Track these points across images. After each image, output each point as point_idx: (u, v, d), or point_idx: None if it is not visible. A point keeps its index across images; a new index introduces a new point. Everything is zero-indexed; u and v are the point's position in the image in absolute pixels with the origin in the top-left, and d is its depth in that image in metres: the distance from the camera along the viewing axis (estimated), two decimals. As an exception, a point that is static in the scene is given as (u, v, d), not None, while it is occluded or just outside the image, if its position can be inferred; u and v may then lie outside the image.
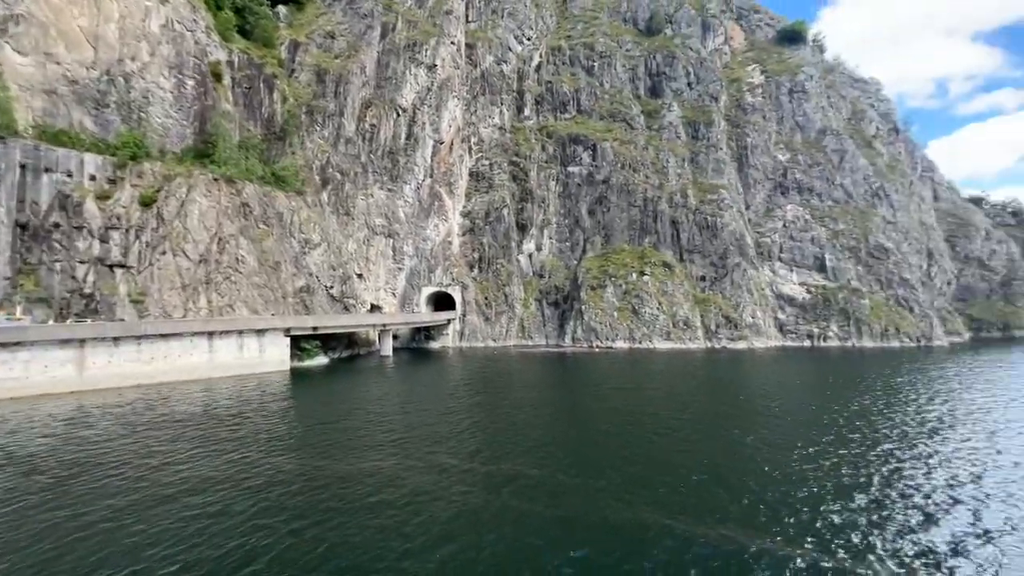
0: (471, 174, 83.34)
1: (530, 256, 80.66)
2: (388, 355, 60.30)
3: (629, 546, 13.21)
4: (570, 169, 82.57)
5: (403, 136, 74.94)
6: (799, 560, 12.54)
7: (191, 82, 54.38)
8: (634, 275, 72.51)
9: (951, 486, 17.62)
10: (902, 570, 12.23)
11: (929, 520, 14.93)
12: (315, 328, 50.49)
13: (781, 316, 74.48)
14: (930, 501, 16.30)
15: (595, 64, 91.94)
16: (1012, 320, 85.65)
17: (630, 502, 15.88)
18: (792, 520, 14.75)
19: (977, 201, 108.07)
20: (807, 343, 71.69)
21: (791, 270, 77.37)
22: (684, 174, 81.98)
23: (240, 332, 43.36)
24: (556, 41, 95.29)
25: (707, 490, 17.03)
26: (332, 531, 13.96)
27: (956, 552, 13.13)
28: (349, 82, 71.22)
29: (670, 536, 13.74)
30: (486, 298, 75.45)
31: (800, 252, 77.82)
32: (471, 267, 77.66)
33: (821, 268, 76.30)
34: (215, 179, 49.41)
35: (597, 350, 65.84)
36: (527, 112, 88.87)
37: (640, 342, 67.78)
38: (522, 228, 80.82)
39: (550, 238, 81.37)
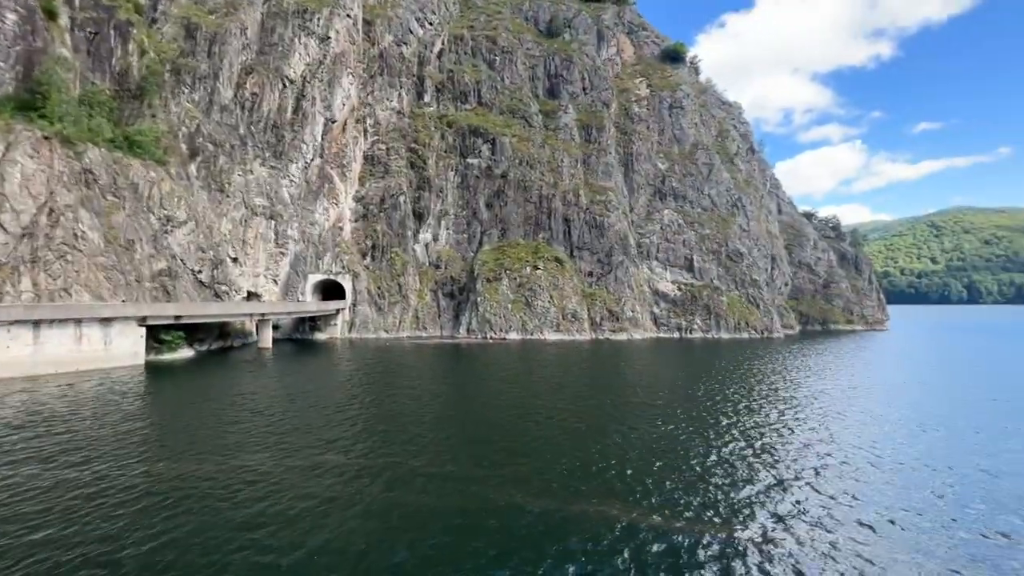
0: (366, 158, 79.58)
1: (426, 246, 79.42)
2: (267, 347, 55.61)
3: (498, 528, 13.77)
4: (470, 161, 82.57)
5: (290, 110, 69.11)
6: (655, 532, 14.06)
7: (13, 16, 44.63)
8: (528, 269, 74.91)
9: (800, 451, 20.97)
10: (774, 525, 14.32)
11: (775, 480, 17.63)
12: (178, 317, 44.78)
13: (656, 310, 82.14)
14: (781, 466, 19.23)
15: (497, 58, 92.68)
16: (829, 316, 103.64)
17: (503, 486, 16.54)
18: (641, 491, 16.48)
19: (808, 216, 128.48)
20: (676, 335, 79.98)
21: (666, 269, 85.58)
22: (577, 174, 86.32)
23: (78, 321, 36.95)
24: (459, 29, 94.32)
25: (582, 470, 18.34)
26: (183, 533, 12.60)
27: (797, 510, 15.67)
28: (226, 43, 63.77)
29: (540, 518, 14.58)
30: (379, 288, 72.87)
31: (673, 253, 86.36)
32: (364, 255, 74.39)
33: (690, 268, 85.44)
34: (45, 137, 41.27)
35: (491, 341, 67.07)
36: (427, 99, 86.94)
37: (532, 333, 70.39)
38: (419, 217, 79.19)
39: (447, 229, 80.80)
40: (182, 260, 51.47)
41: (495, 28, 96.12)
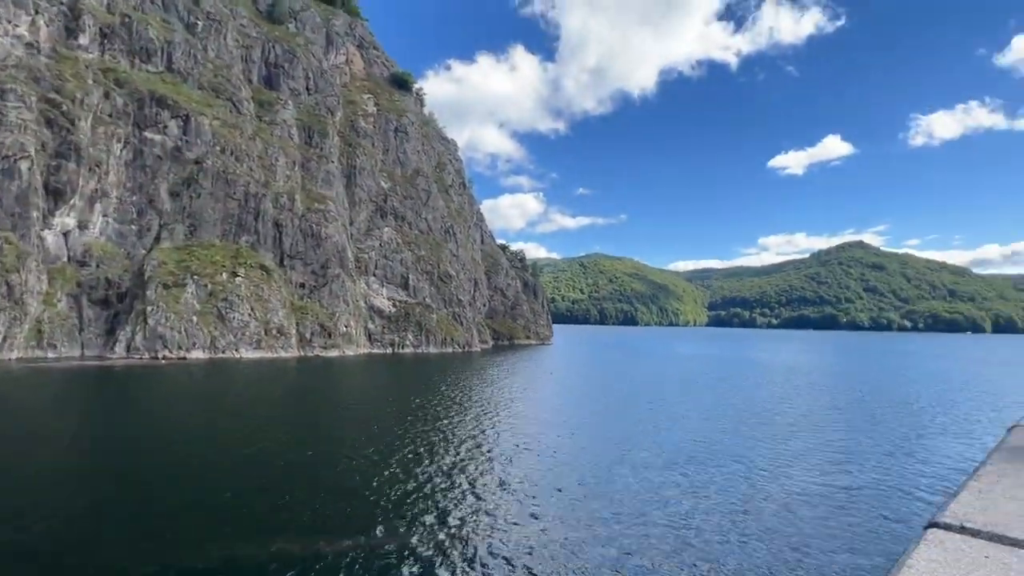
0: (-43, 94, 54.13)
1: (66, 235, 58.99)
2: None
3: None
4: (149, 135, 66.04)
5: None
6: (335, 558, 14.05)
7: None
8: (225, 275, 64.32)
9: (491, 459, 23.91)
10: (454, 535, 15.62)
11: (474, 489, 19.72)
12: None
13: (371, 326, 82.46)
14: (477, 474, 21.56)
15: (200, 23, 77.96)
16: (515, 333, 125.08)
17: (150, 537, 13.77)
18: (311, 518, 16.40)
19: (504, 248, 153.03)
20: (389, 350, 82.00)
21: (383, 285, 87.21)
22: (294, 177, 79.77)
23: None
24: (144, -30, 75.28)
25: (274, 501, 16.77)
26: None
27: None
28: None
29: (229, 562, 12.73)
30: (-33, 287, 49.78)
31: (391, 270, 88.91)
32: (-62, 236, 49.71)
33: (405, 286, 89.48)
34: None
35: (164, 362, 54.24)
36: (84, 41, 65.72)
37: (224, 351, 60.28)
38: (56, 194, 58.27)
39: (105, 215, 62.09)
40: None
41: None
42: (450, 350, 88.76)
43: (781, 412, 37.05)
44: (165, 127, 67.22)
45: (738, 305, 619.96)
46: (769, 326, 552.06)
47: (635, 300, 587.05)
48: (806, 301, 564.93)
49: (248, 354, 61.85)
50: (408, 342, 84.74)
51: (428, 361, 71.62)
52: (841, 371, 74.06)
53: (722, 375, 63.75)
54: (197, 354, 58.01)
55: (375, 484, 19.07)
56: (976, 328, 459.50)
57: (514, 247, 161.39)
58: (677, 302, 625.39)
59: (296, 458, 22.07)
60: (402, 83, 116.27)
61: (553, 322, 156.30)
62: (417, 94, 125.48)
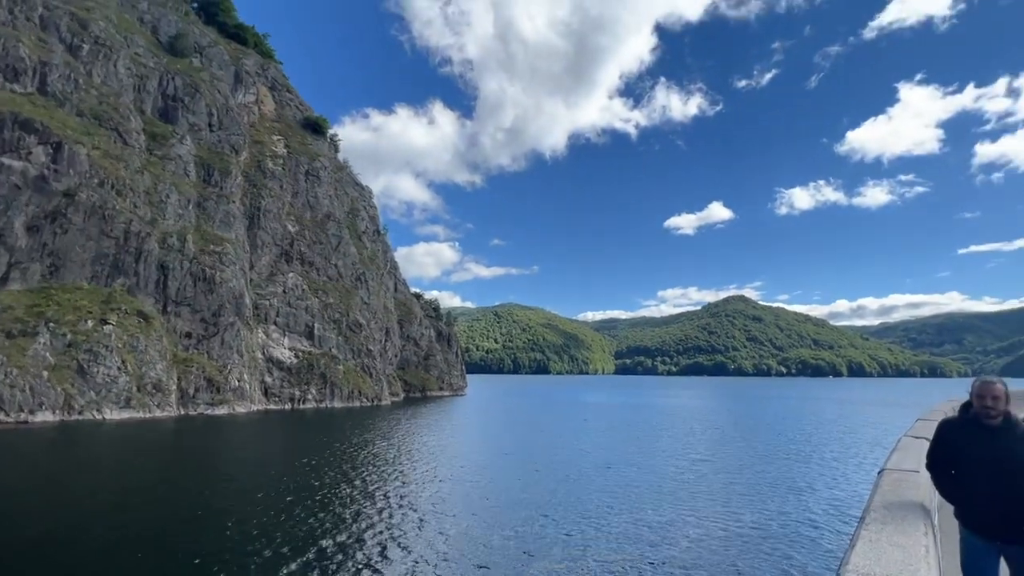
0: None
1: None
2: None
3: None
4: (7, 161, 57.61)
5: None
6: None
7: None
8: (91, 323, 55.99)
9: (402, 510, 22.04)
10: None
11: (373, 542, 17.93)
12: None
13: (268, 379, 75.47)
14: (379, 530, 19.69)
15: (85, 46, 71.50)
16: (427, 384, 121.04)
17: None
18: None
19: (418, 296, 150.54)
20: (288, 406, 75.19)
21: (284, 335, 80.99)
22: (187, 216, 73.31)
23: None
24: (21, -15, 68.30)
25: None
26: None
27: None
28: None
29: None
30: None
31: (294, 319, 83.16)
32: None
33: (310, 335, 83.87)
34: None
35: (-2, 427, 44.90)
36: (-68, 51, 57.09)
37: (83, 412, 51.44)
38: None
39: (-65, 250, 52.00)
40: None
41: (89, 10, 74.86)
42: (357, 404, 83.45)
43: (685, 460, 39.01)
44: (29, 153, 59.16)
45: (641, 353, 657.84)
46: (669, 373, 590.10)
47: (547, 349, 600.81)
48: (700, 349, 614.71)
49: (114, 415, 53.29)
50: (311, 396, 78.43)
51: (332, 416, 66.50)
52: (744, 418, 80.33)
53: (621, 422, 66.22)
54: (45, 416, 48.83)
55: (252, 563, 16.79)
56: (836, 372, 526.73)
57: (428, 296, 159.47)
58: (587, 351, 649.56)
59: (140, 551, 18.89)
60: (316, 127, 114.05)
61: (467, 372, 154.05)
62: (331, 139, 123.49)
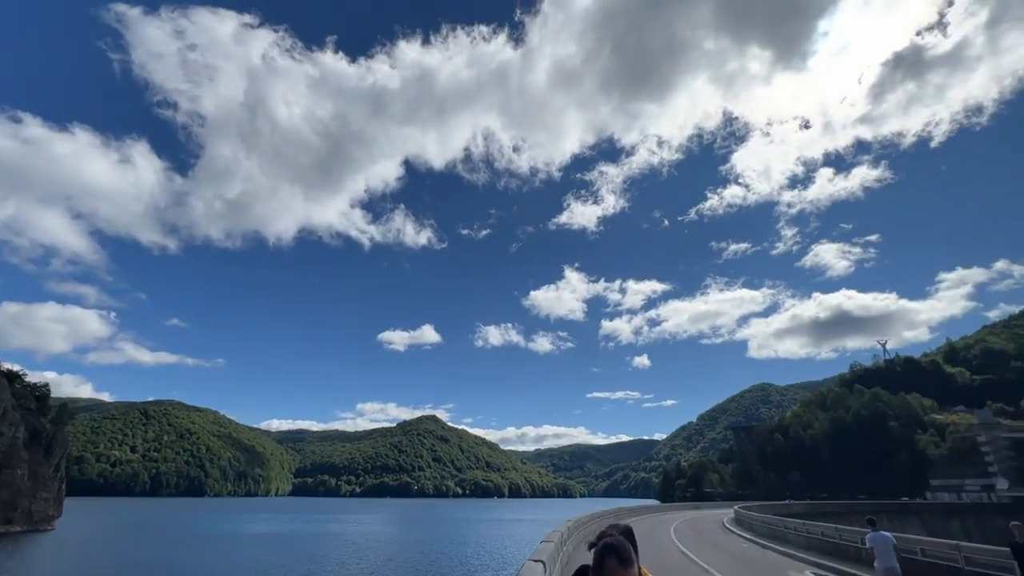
0: None
1: None
2: None
3: None
4: None
5: None
6: None
7: None
8: None
9: None
10: None
11: None
12: None
13: None
14: None
15: None
16: None
17: None
18: None
19: (12, 376, 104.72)
20: None
21: None
22: None
23: None
24: None
25: None
26: None
27: None
28: None
29: None
30: None
31: None
32: None
33: None
34: None
35: None
36: None
37: None
38: None
39: None
40: None
41: None
42: None
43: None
44: None
45: (327, 471, 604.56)
46: (353, 494, 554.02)
47: (209, 464, 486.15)
48: (388, 469, 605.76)
49: None
50: None
51: None
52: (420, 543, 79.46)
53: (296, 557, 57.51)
54: None
55: None
56: (500, 494, 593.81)
57: (34, 377, 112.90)
58: (261, 468, 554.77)
59: None
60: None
61: (76, 494, 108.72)
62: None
